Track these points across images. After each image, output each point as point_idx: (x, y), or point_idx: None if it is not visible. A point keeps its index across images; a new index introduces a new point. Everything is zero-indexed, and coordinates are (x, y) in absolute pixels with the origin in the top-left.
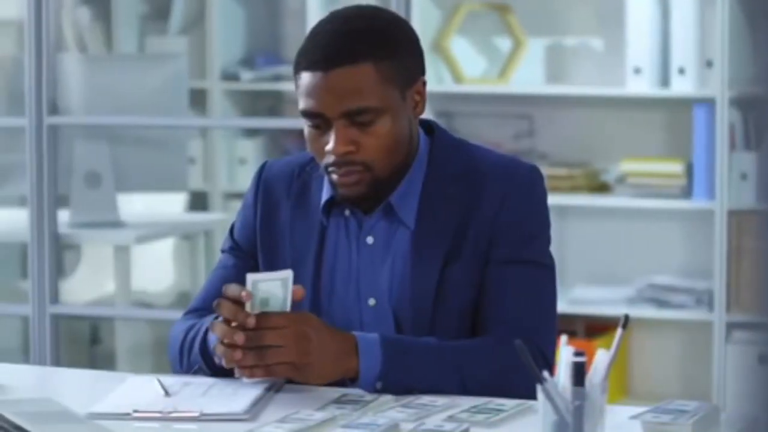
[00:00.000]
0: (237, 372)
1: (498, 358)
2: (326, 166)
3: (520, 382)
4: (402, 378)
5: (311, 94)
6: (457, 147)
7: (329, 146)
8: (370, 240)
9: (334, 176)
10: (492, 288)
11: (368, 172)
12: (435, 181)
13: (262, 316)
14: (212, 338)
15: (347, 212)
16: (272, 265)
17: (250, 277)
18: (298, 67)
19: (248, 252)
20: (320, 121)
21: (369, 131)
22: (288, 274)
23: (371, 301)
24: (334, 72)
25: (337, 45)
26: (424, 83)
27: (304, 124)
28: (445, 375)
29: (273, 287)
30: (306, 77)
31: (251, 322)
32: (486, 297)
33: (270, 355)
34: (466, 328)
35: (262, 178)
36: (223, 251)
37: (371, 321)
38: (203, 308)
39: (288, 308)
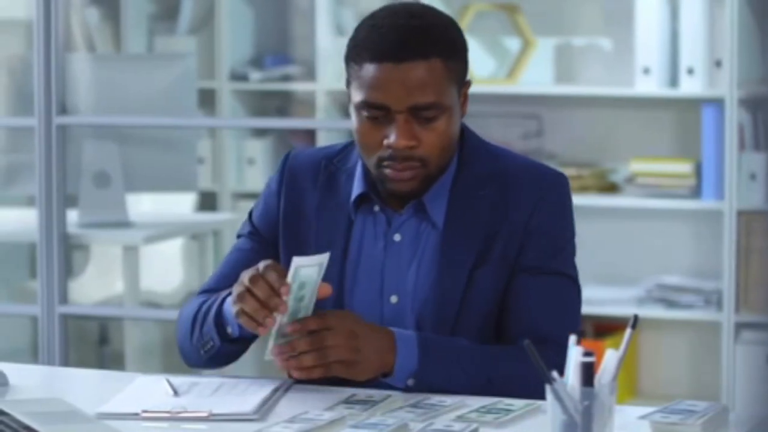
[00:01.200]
0: (295, 373)
1: (527, 366)
2: (380, 160)
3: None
4: (434, 377)
5: (377, 86)
6: (486, 149)
7: (390, 140)
8: (397, 237)
9: (389, 171)
10: (518, 297)
11: (424, 168)
12: (464, 182)
13: (316, 319)
14: (229, 309)
15: (376, 208)
16: (295, 254)
17: (296, 261)
18: (360, 59)
19: (267, 238)
20: (381, 113)
21: (430, 127)
22: (325, 258)
23: (393, 299)
24: (406, 65)
25: (410, 38)
26: (470, 85)
27: (355, 116)
28: (475, 377)
29: (311, 272)
30: (371, 69)
31: (313, 325)
32: (512, 306)
33: (326, 355)
34: (487, 330)
35: (287, 166)
36: (239, 236)
37: (392, 318)
38: (217, 289)
39: (317, 293)
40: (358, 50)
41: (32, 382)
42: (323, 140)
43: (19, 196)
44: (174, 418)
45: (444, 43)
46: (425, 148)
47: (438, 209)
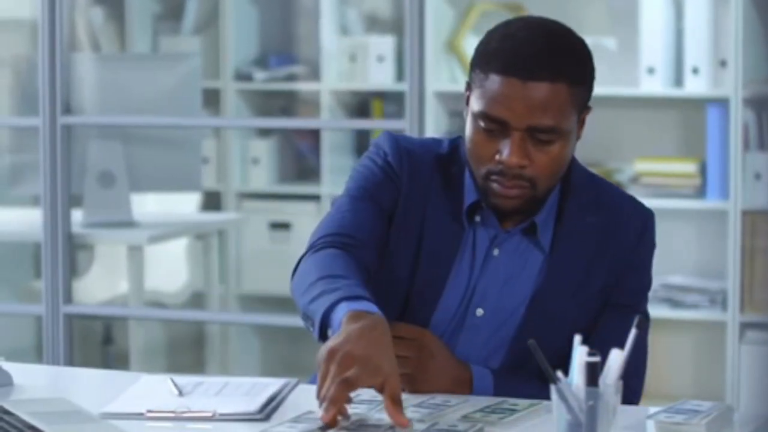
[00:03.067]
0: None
1: None
2: (489, 173)
3: None
4: None
5: (499, 100)
6: (589, 177)
7: (504, 156)
8: (496, 252)
9: (496, 185)
10: (607, 334)
11: (531, 189)
12: (571, 209)
13: (395, 325)
14: (338, 318)
15: (477, 218)
16: (404, 242)
17: None
18: (488, 68)
19: (380, 202)
20: (498, 127)
21: (544, 149)
22: None
23: (479, 311)
24: (532, 84)
25: (541, 57)
26: (589, 111)
27: (470, 123)
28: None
29: None
30: (497, 80)
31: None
32: (597, 339)
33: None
34: (568, 354)
35: (402, 152)
36: (353, 194)
37: (473, 330)
38: (341, 234)
39: None
40: (488, 59)
41: (37, 382)
42: (327, 140)
43: (24, 196)
44: (178, 417)
45: (573, 68)
46: (536, 169)
47: (546, 231)
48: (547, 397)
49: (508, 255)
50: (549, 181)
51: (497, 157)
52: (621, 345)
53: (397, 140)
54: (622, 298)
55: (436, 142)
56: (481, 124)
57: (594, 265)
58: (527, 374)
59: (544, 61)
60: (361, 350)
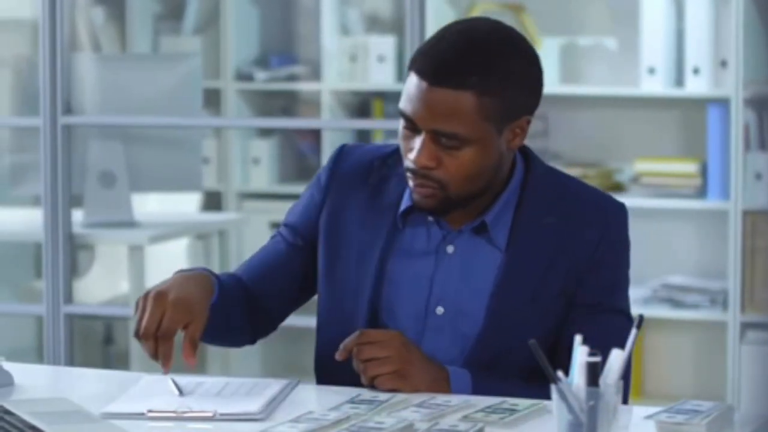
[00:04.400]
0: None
1: None
2: (406, 168)
3: None
4: None
5: (410, 99)
6: (551, 174)
7: (412, 154)
8: (450, 249)
9: (411, 182)
10: (574, 334)
11: (442, 190)
12: (529, 207)
13: (363, 333)
14: None
15: (430, 218)
16: (334, 253)
17: None
18: (412, 65)
19: (302, 232)
20: (411, 125)
21: (453, 154)
22: None
23: (439, 310)
24: (437, 89)
25: (448, 64)
26: (529, 121)
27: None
28: None
29: None
30: (413, 79)
31: (364, 339)
32: (567, 342)
33: (375, 366)
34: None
35: (339, 163)
36: (283, 225)
37: (435, 329)
38: (243, 276)
39: None
40: (414, 57)
41: (38, 382)
42: (328, 140)
43: (25, 196)
44: (179, 417)
45: (485, 79)
46: (445, 173)
47: (500, 231)
48: (528, 395)
49: (462, 252)
50: (461, 184)
51: (409, 155)
52: (592, 346)
53: (340, 152)
54: (587, 297)
55: (389, 145)
56: (402, 120)
57: (552, 268)
58: (503, 373)
59: (451, 69)
60: (174, 292)
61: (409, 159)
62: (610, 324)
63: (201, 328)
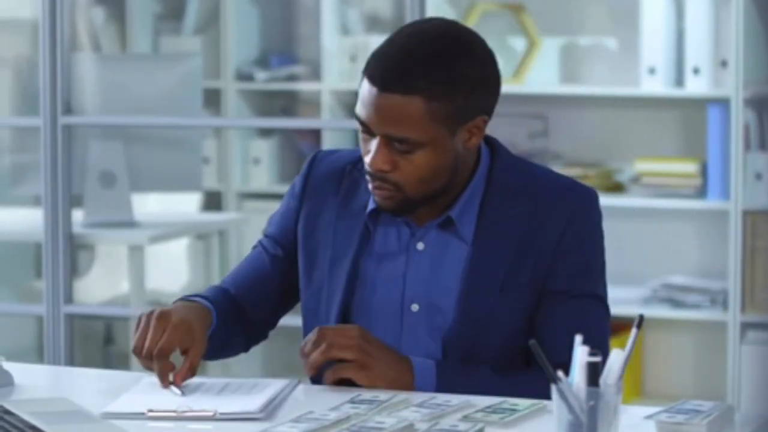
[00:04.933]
0: (308, 371)
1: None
2: (365, 171)
3: None
4: None
5: (364, 104)
6: (517, 164)
7: (368, 157)
8: (420, 246)
9: (370, 185)
10: (547, 322)
11: (399, 192)
12: (494, 198)
13: (320, 328)
14: None
15: (382, 216)
16: (312, 259)
17: None
18: (365, 69)
19: (281, 241)
20: (367, 129)
21: (407, 157)
22: None
23: (414, 307)
24: (386, 95)
25: (395, 70)
26: (486, 121)
27: None
28: None
29: None
30: (365, 84)
31: (319, 332)
32: (540, 331)
33: (335, 351)
34: (514, 348)
35: (312, 169)
36: (264, 235)
37: (412, 326)
38: (230, 289)
39: None
40: (368, 60)
41: (38, 382)
42: (328, 140)
43: (25, 196)
44: (180, 417)
45: (433, 84)
46: (400, 175)
47: (467, 224)
48: (495, 385)
49: (431, 248)
50: (417, 186)
51: (366, 158)
52: (568, 332)
53: (313, 160)
54: (556, 284)
55: (360, 150)
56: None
57: (520, 258)
58: (475, 366)
59: (399, 74)
60: (177, 315)
61: (366, 162)
62: (581, 309)
63: (200, 355)
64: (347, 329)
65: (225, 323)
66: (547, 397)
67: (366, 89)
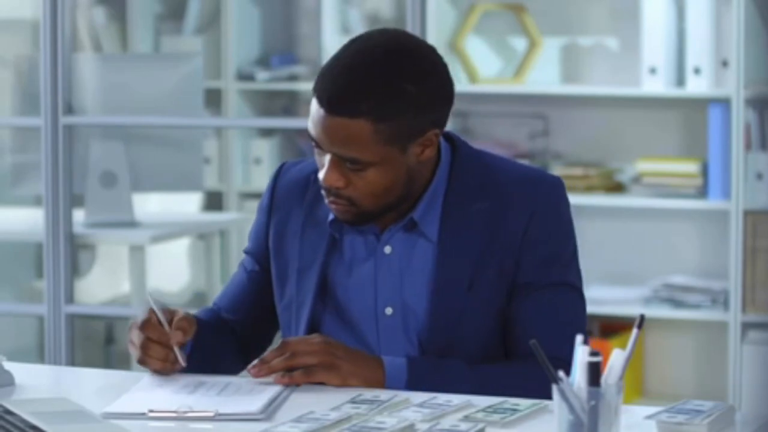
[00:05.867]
0: (275, 379)
1: (523, 384)
2: (321, 186)
3: None
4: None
5: (313, 122)
6: (478, 159)
7: (321, 173)
8: (387, 249)
9: (326, 199)
10: (520, 315)
11: (354, 206)
12: (457, 195)
13: (282, 341)
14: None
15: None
16: (283, 273)
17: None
18: (314, 88)
19: (257, 257)
20: (318, 144)
21: (359, 174)
22: None
23: (388, 310)
24: (333, 118)
25: (341, 94)
26: (438, 134)
27: None
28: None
29: None
30: (314, 104)
31: (283, 344)
32: (514, 324)
33: (299, 358)
34: (491, 344)
35: (277, 181)
36: (244, 252)
37: (389, 329)
38: (220, 309)
39: None
40: (316, 79)
41: (39, 382)
42: None
43: (26, 196)
44: (180, 417)
45: (378, 106)
46: (353, 191)
47: (431, 224)
48: (467, 378)
49: (398, 250)
50: (372, 201)
51: (320, 173)
52: (540, 323)
53: (278, 172)
54: (525, 276)
55: None
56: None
57: (486, 254)
58: (448, 361)
59: (344, 98)
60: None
61: (320, 178)
62: (553, 298)
63: (186, 319)
64: (309, 337)
65: (209, 334)
66: (521, 389)
67: (315, 109)
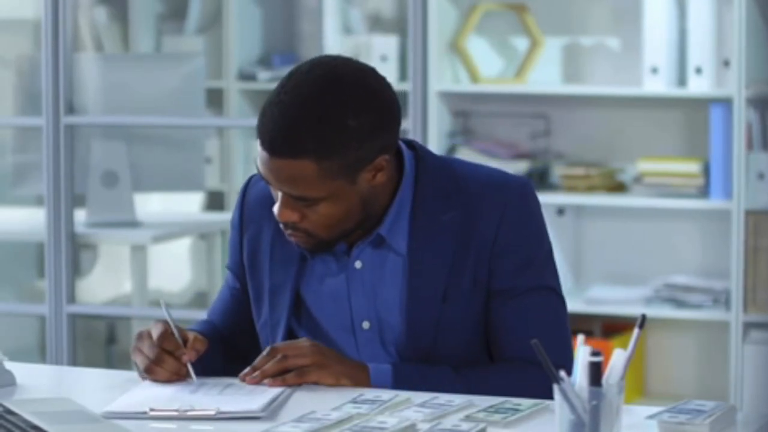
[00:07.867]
0: (268, 382)
1: (508, 386)
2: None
3: None
4: None
5: (260, 161)
6: (443, 167)
7: (275, 208)
8: (358, 264)
9: (283, 230)
10: (498, 323)
11: (311, 237)
12: (424, 205)
13: (271, 347)
14: None
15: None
16: (258, 293)
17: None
18: (257, 128)
19: (237, 273)
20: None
21: (311, 208)
22: None
23: (365, 324)
24: (276, 160)
25: (281, 136)
26: (387, 159)
27: None
28: None
29: None
30: (258, 144)
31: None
32: (493, 332)
33: (290, 360)
34: (473, 354)
35: (246, 197)
36: (226, 267)
37: (367, 344)
38: (216, 323)
39: None
40: (258, 119)
41: (40, 382)
42: None
43: (28, 196)
44: (181, 416)
45: (320, 144)
46: (308, 224)
47: (399, 237)
48: (452, 381)
49: (368, 265)
50: (329, 231)
51: (274, 207)
52: (519, 328)
53: (246, 186)
54: (500, 283)
55: None
56: None
57: (457, 264)
58: (434, 366)
59: (285, 140)
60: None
61: (275, 212)
62: (530, 303)
63: (197, 337)
64: (297, 341)
65: (210, 350)
66: (507, 393)
67: (259, 149)
